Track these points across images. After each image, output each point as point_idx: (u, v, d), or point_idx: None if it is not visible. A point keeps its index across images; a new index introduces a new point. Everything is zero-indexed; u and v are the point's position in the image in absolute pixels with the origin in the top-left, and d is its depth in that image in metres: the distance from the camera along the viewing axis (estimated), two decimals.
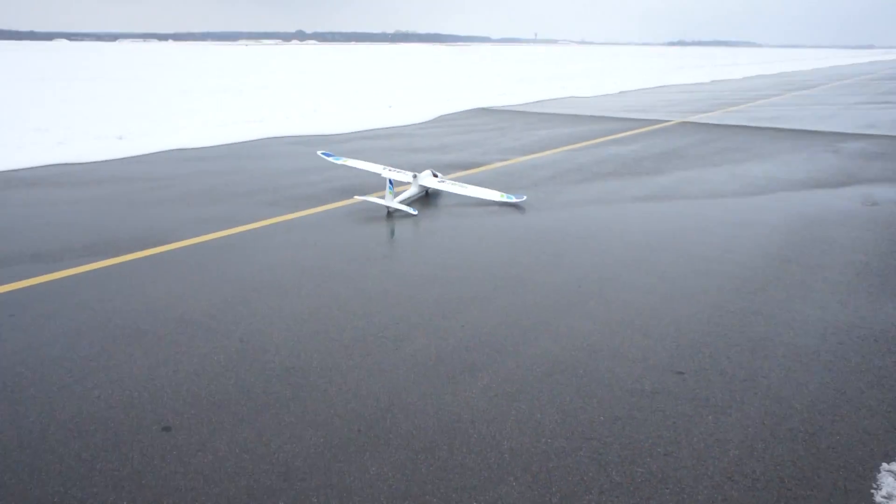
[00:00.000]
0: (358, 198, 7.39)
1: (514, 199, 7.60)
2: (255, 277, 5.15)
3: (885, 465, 2.93)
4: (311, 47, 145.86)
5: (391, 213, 7.13)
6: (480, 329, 4.24)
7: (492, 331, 4.22)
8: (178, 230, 6.40)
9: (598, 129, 14.31)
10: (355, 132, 13.84)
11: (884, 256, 5.77)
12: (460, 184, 7.97)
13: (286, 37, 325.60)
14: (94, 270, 5.27)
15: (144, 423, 3.17)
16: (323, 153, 9.32)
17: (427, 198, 7.89)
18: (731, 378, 3.65)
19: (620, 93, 25.66)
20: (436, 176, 7.97)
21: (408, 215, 7.09)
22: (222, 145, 11.86)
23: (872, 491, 2.76)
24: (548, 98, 22.48)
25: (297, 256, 5.67)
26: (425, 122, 15.70)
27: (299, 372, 3.68)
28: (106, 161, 10.20)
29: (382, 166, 8.55)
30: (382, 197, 7.17)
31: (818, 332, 4.24)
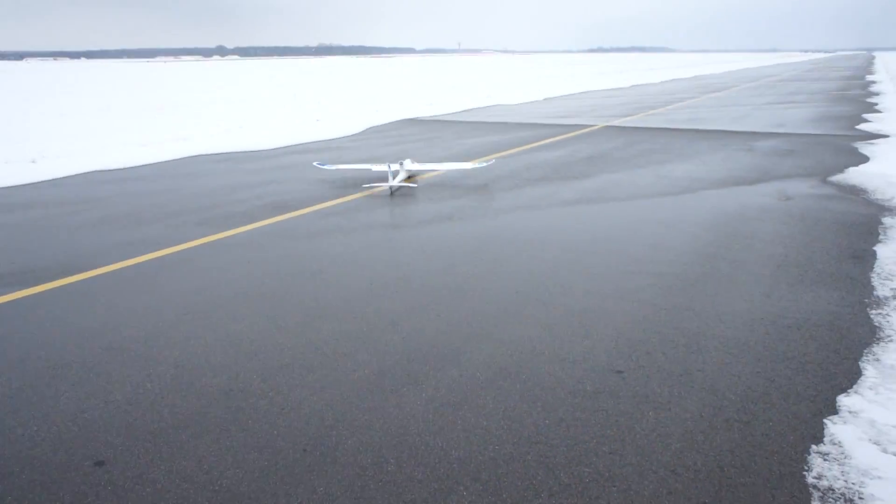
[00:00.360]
0: (365, 186, 8.84)
1: (484, 164, 9.62)
2: (187, 300, 4.99)
3: (813, 447, 3.06)
4: (234, 63, 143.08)
5: (394, 192, 8.66)
6: (421, 340, 4.23)
7: (433, 341, 4.21)
8: (102, 255, 6.14)
9: (526, 136, 14.55)
10: (283, 147, 13.64)
11: (800, 248, 6.06)
12: (437, 163, 10.34)
13: (207, 52, 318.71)
14: (11, 302, 5.00)
15: (75, 460, 3.02)
16: (317, 163, 10.18)
17: (410, 178, 9.30)
18: (668, 374, 3.75)
19: (545, 99, 26.19)
20: (414, 162, 9.72)
21: (410, 189, 8.83)
22: (145, 165, 11.48)
23: (804, 473, 2.88)
24: (475, 107, 22.73)
25: (230, 276, 5.53)
26: (355, 135, 15.61)
27: (239, 394, 3.58)
28: (19, 186, 9.71)
29: (369, 165, 9.83)
30: (385, 181, 8.75)
31: (746, 324, 4.41)
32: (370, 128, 16.87)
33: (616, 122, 17.08)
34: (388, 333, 4.33)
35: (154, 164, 11.64)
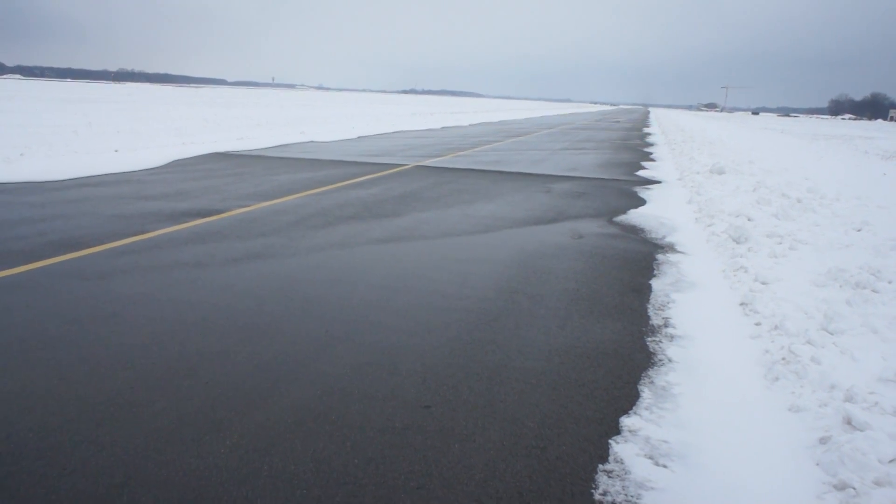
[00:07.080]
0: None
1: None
2: None
3: (600, 466, 3.35)
4: (13, 82, 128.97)
5: None
6: (226, 384, 4.05)
7: (238, 385, 4.06)
8: None
9: (340, 174, 14.61)
10: (75, 179, 12.50)
11: (590, 283, 6.65)
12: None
13: None
14: None
15: None
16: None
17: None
18: (472, 406, 3.91)
19: (359, 138, 26.51)
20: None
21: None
22: None
23: (592, 491, 3.14)
24: (288, 143, 22.42)
25: (3, 323, 4.93)
26: (157, 168, 14.72)
27: (9, 458, 3.19)
28: None
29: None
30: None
31: (544, 355, 4.74)
32: (175, 161, 16.00)
33: (427, 162, 17.70)
34: (189, 379, 4.10)
35: None
